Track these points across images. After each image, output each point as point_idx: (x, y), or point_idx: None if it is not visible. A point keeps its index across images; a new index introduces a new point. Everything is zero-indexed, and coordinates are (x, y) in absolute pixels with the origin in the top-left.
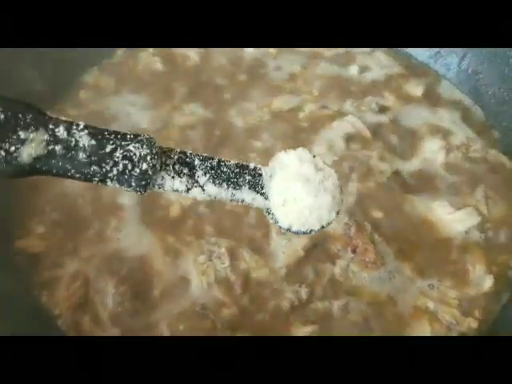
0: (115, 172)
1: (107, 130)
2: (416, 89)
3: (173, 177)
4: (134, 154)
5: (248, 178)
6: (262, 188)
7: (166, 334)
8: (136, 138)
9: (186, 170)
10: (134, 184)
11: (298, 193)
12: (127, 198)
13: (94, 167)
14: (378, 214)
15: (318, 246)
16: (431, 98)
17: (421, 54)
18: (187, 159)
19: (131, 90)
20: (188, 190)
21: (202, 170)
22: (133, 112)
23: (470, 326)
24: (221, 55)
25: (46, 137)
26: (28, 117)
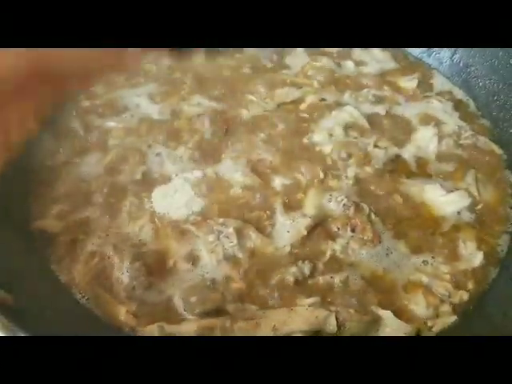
0: None
1: None
2: (410, 82)
3: None
4: None
5: None
6: None
7: (179, 304)
8: None
9: None
10: None
11: None
12: (141, 181)
13: None
14: (374, 196)
15: (320, 225)
16: (425, 90)
17: (415, 49)
18: None
19: (140, 82)
20: None
21: None
22: (142, 103)
23: (461, 298)
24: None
25: None
26: None
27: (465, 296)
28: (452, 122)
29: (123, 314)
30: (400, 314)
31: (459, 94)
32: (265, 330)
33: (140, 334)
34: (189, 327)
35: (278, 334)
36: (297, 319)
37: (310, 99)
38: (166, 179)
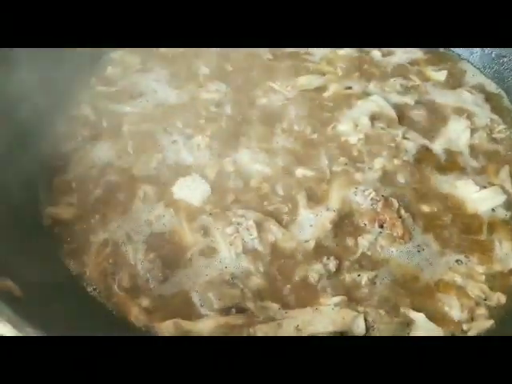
0: None
1: None
2: (439, 72)
3: None
4: None
5: None
6: None
7: (196, 300)
8: None
9: None
10: None
11: None
12: (156, 169)
13: None
14: (404, 190)
15: (346, 220)
16: (455, 82)
17: None
18: None
19: (156, 68)
20: None
21: None
22: (158, 88)
23: (499, 300)
24: None
25: None
26: None
27: (502, 299)
28: (484, 114)
29: (136, 309)
30: (433, 316)
31: (491, 86)
32: (287, 331)
33: (154, 331)
34: (206, 325)
35: (302, 334)
36: (322, 320)
37: (334, 87)
38: (183, 168)
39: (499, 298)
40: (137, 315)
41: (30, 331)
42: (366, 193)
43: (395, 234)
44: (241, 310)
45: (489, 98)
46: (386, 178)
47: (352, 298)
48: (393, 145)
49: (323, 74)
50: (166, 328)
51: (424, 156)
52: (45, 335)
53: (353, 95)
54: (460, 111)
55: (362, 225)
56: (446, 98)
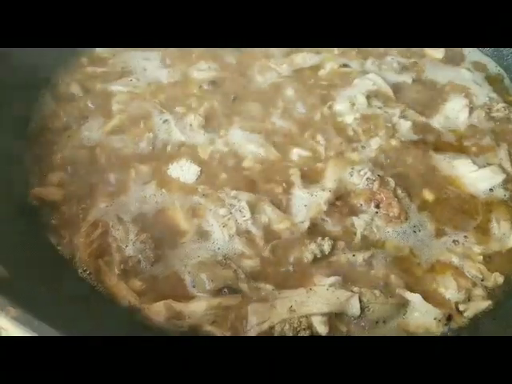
0: None
1: None
2: (437, 50)
3: None
4: None
5: None
6: None
7: (188, 281)
8: None
9: None
10: None
11: None
12: (147, 149)
13: None
14: (400, 170)
15: (341, 200)
16: (453, 59)
17: None
18: None
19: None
20: None
21: None
22: (149, 67)
23: (496, 280)
24: None
25: None
26: None
27: (499, 279)
28: (483, 93)
29: (127, 291)
30: (429, 297)
31: (490, 63)
32: (281, 312)
33: (145, 312)
34: (198, 306)
35: (295, 315)
36: (316, 300)
37: (330, 65)
38: (175, 148)
39: (496, 278)
40: (128, 297)
41: (19, 314)
42: (362, 172)
43: (391, 214)
44: (233, 291)
45: (488, 76)
46: (383, 157)
47: (347, 278)
48: (389, 124)
49: (319, 51)
50: (157, 309)
51: (421, 135)
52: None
53: (349, 74)
54: (458, 89)
55: (358, 205)
56: (444, 77)
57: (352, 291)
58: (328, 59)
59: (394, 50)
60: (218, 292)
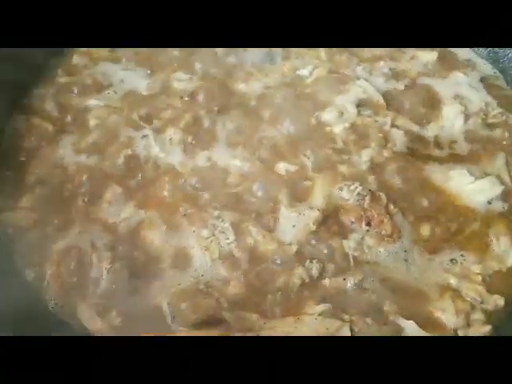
0: None
1: None
2: (430, 53)
3: None
4: None
5: None
6: None
7: (167, 312)
8: None
9: None
10: None
11: None
12: (124, 167)
13: None
14: (393, 184)
15: (330, 218)
16: (447, 63)
17: None
18: None
19: (124, 55)
20: None
21: None
22: (127, 78)
23: (496, 303)
24: None
25: None
26: None
27: (500, 301)
28: (479, 97)
29: (102, 326)
30: (425, 322)
31: (486, 66)
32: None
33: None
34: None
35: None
36: (304, 331)
37: (318, 73)
38: (153, 164)
39: (496, 300)
40: (102, 333)
41: None
42: (352, 187)
43: (383, 233)
44: (217, 321)
45: (483, 78)
46: (374, 170)
47: (337, 304)
48: (381, 134)
49: (305, 58)
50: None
51: (415, 145)
52: None
53: (338, 80)
54: (453, 95)
55: (348, 223)
56: (437, 81)
57: (343, 320)
58: (316, 66)
59: (385, 55)
60: (200, 324)
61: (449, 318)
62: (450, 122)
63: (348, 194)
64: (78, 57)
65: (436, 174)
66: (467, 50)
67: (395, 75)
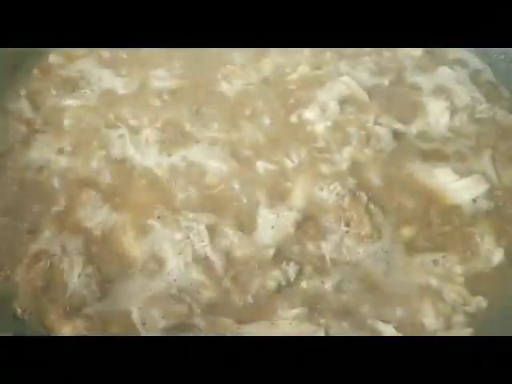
0: None
1: None
2: (417, 48)
3: None
4: None
5: None
6: None
7: (137, 319)
8: None
9: None
10: None
11: None
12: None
13: None
14: (374, 183)
15: (309, 219)
16: (434, 57)
17: None
18: None
19: (102, 53)
20: None
21: None
22: (104, 76)
23: (478, 305)
24: None
25: None
26: None
27: (483, 303)
28: (466, 92)
29: (70, 330)
30: (404, 326)
31: (474, 61)
32: None
33: None
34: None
35: None
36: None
37: (301, 69)
38: (129, 165)
39: (479, 302)
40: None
41: None
42: (332, 187)
43: (363, 233)
44: (188, 328)
45: (472, 74)
46: (355, 169)
47: (314, 308)
48: (363, 132)
49: (289, 55)
50: None
51: (398, 143)
52: None
53: (321, 77)
54: (439, 90)
55: (327, 224)
56: (424, 76)
57: (318, 324)
58: (299, 62)
59: (370, 50)
60: (170, 330)
61: (429, 321)
62: (435, 118)
63: (327, 194)
64: (55, 55)
65: (420, 172)
66: None
67: (380, 70)
